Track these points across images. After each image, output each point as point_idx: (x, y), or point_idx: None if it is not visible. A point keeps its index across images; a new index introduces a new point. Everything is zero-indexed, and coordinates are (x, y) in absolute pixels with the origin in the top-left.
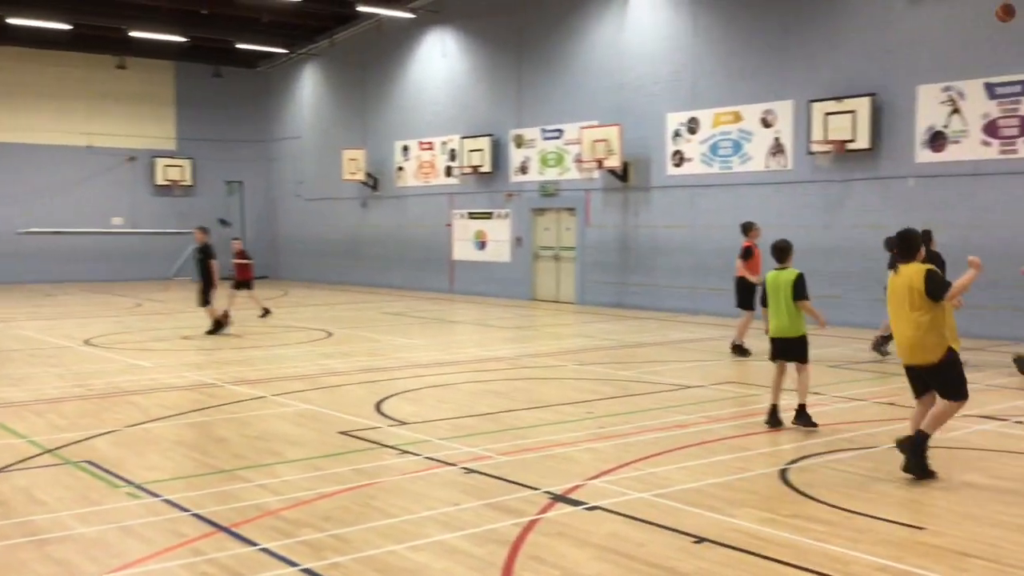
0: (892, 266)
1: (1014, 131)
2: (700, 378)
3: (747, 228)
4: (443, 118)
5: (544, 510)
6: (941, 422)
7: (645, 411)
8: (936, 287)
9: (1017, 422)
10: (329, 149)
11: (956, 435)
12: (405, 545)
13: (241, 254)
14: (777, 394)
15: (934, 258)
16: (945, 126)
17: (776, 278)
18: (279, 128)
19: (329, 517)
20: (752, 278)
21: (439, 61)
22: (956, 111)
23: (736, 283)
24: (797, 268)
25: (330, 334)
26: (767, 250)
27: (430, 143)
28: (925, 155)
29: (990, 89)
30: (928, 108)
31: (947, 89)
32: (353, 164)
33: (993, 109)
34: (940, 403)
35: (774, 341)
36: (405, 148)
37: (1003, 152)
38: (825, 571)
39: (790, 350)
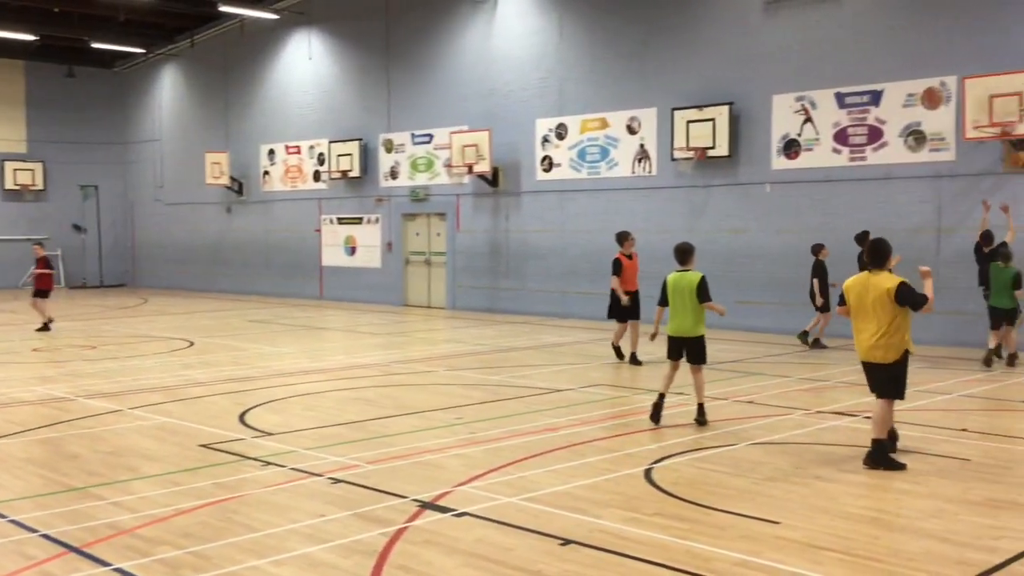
0: (865, 267)
1: (862, 139)
2: (570, 381)
3: (621, 238)
4: (310, 121)
5: (412, 518)
6: (885, 422)
7: (515, 415)
8: (915, 299)
9: (866, 417)
10: (191, 152)
11: (809, 431)
12: (268, 560)
13: (43, 262)
14: (667, 388)
15: (820, 267)
16: (799, 134)
17: (679, 280)
18: (137, 130)
19: (188, 533)
20: (621, 293)
21: (305, 63)
22: (808, 120)
23: (611, 294)
24: (668, 271)
25: (192, 343)
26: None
27: (297, 147)
28: (780, 162)
29: (840, 99)
30: (782, 117)
31: (800, 99)
32: (216, 168)
33: (843, 118)
34: (877, 405)
35: (673, 340)
36: (271, 152)
37: (852, 159)
38: (687, 568)
39: (689, 350)
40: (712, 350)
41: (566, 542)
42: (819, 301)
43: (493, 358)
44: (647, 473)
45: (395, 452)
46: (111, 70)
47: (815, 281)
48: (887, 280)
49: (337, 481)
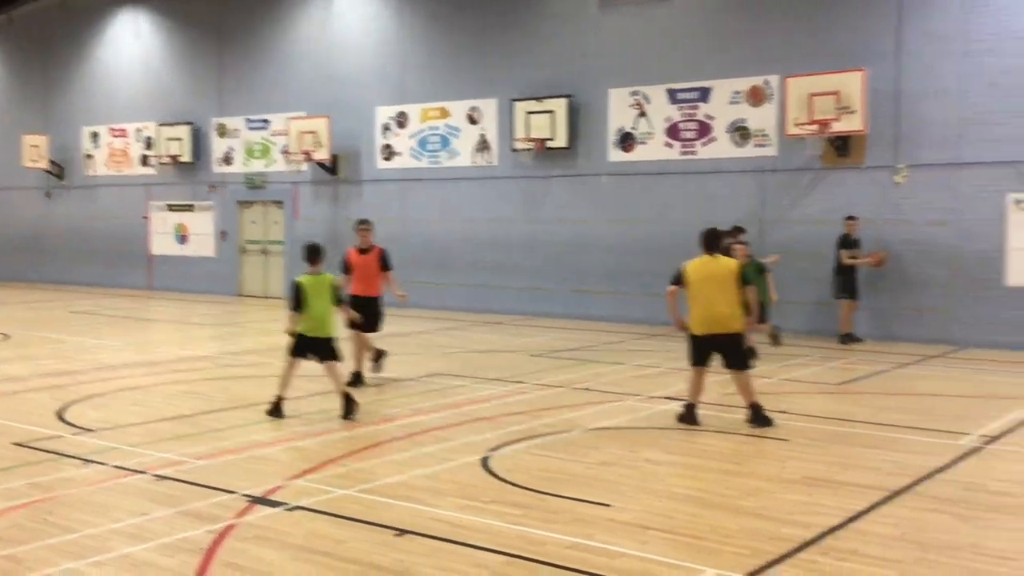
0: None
1: (693, 134)
2: (410, 371)
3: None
4: (138, 103)
5: (241, 514)
6: (750, 388)
7: None
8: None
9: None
10: (6, 134)
11: (640, 416)
12: (86, 561)
13: None
14: (284, 386)
15: (727, 251)
16: (634, 128)
17: (319, 281)
18: None
19: None
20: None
21: (132, 43)
22: (643, 114)
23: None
24: (513, 261)
25: (7, 336)
26: (491, 246)
27: (123, 129)
28: (617, 154)
29: (672, 94)
30: (619, 110)
31: (635, 93)
32: (35, 151)
33: (675, 113)
34: (737, 378)
35: (308, 339)
36: (95, 135)
37: (684, 153)
38: (521, 553)
39: (321, 349)
40: (549, 338)
41: (401, 532)
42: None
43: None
44: (484, 461)
45: (225, 447)
46: None
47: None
48: (729, 262)
49: (163, 478)
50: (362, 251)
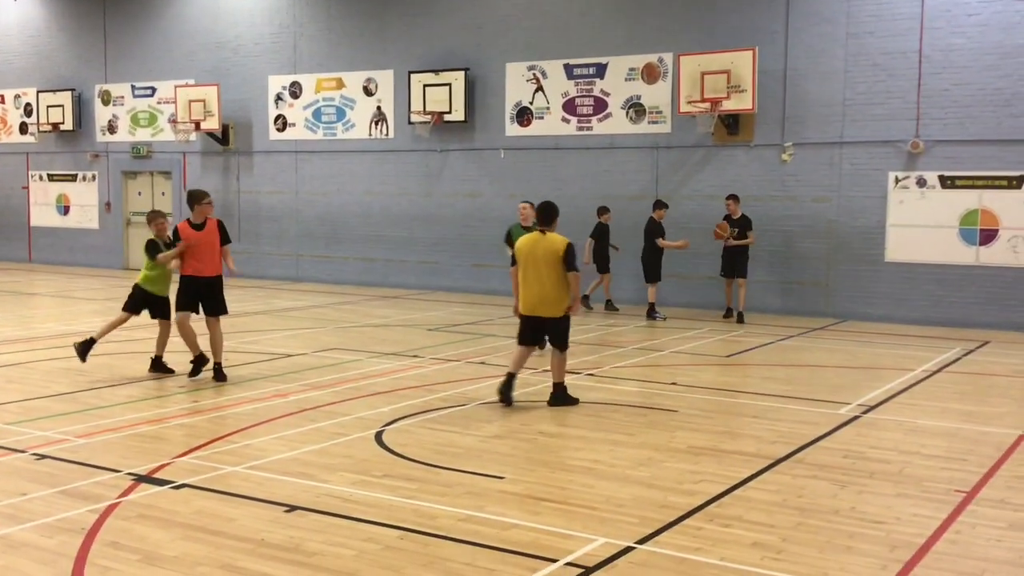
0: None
1: (589, 110)
2: (302, 346)
3: (193, 199)
4: (15, 68)
5: (125, 493)
6: (563, 368)
7: (243, 382)
8: (574, 260)
9: (588, 375)
10: None
11: (533, 389)
12: None
13: None
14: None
15: (603, 229)
16: (531, 102)
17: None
18: None
19: None
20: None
21: (9, 5)
22: (540, 89)
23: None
24: (404, 235)
25: None
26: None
27: (1, 96)
28: (514, 129)
29: (568, 69)
30: (516, 85)
31: (532, 68)
32: None
33: (572, 88)
34: (554, 355)
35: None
36: None
37: (580, 128)
38: (413, 527)
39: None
40: (446, 313)
41: (291, 508)
42: (587, 260)
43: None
44: (378, 436)
45: (109, 424)
46: None
47: (590, 242)
48: (558, 241)
49: (42, 457)
50: (198, 226)
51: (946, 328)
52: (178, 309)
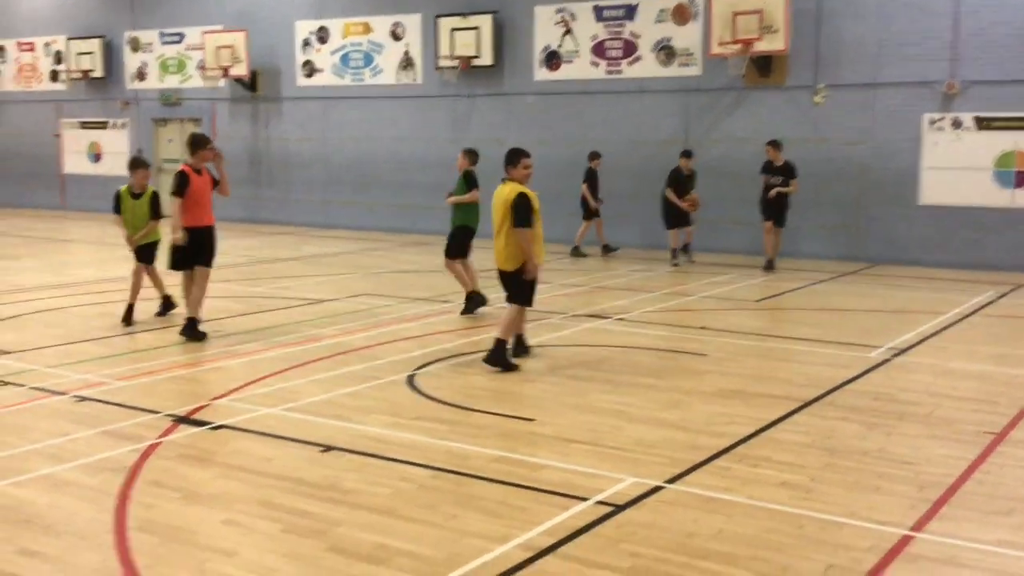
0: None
1: (619, 53)
2: (334, 291)
3: (195, 144)
4: (45, 16)
5: (165, 433)
6: (509, 327)
7: (276, 327)
8: (520, 216)
9: (619, 319)
10: None
11: (565, 334)
12: (6, 482)
13: None
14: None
15: (592, 175)
16: (559, 46)
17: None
18: None
19: None
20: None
21: None
22: (569, 32)
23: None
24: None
25: None
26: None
27: (31, 44)
28: (542, 73)
29: (598, 12)
30: (544, 28)
31: (560, 11)
32: None
33: (601, 31)
34: (507, 309)
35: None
36: (1, 49)
37: (609, 72)
38: (445, 466)
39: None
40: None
41: (327, 448)
42: (593, 205)
43: (254, 270)
44: (410, 379)
45: (147, 368)
46: None
47: (584, 187)
48: (511, 191)
49: (83, 399)
50: (199, 172)
51: (980, 272)
52: (174, 266)
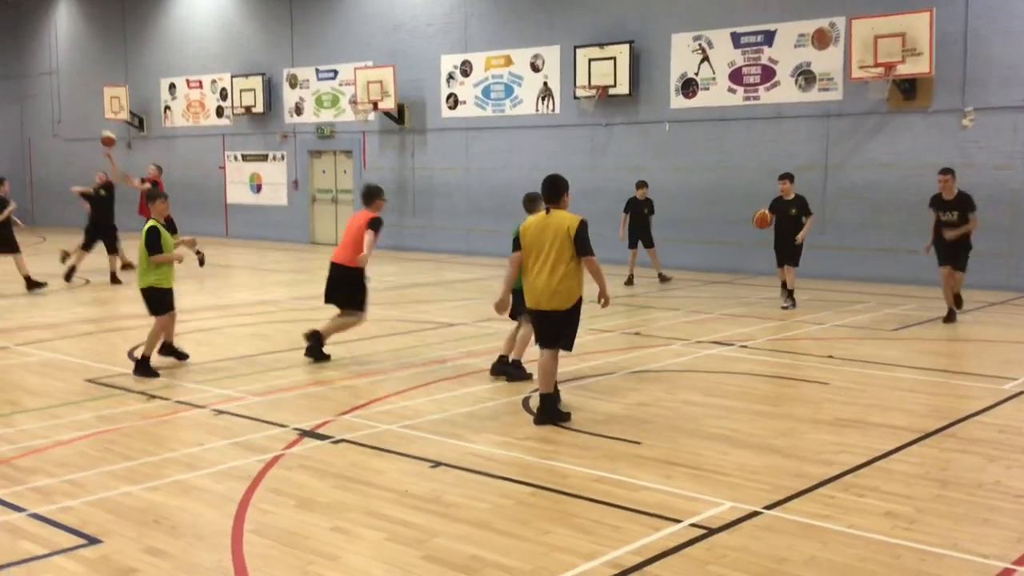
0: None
1: (756, 79)
2: (465, 316)
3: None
4: (212, 55)
5: (290, 445)
6: (551, 376)
7: (406, 348)
8: (589, 243)
9: (742, 346)
10: (88, 86)
11: (684, 360)
12: (141, 486)
13: None
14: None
15: (632, 202)
16: (696, 73)
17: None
18: (32, 64)
19: (64, 463)
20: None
21: None
22: (706, 59)
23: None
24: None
25: (88, 281)
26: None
27: (199, 81)
28: (679, 101)
29: (735, 39)
30: (681, 56)
31: (698, 38)
32: (115, 102)
33: (738, 58)
34: (546, 357)
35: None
36: (172, 86)
37: (747, 98)
38: (547, 484)
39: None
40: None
41: (436, 464)
42: (621, 236)
43: (393, 295)
44: (525, 401)
45: (282, 385)
46: (4, 2)
47: (624, 217)
48: (568, 219)
49: (220, 412)
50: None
51: None
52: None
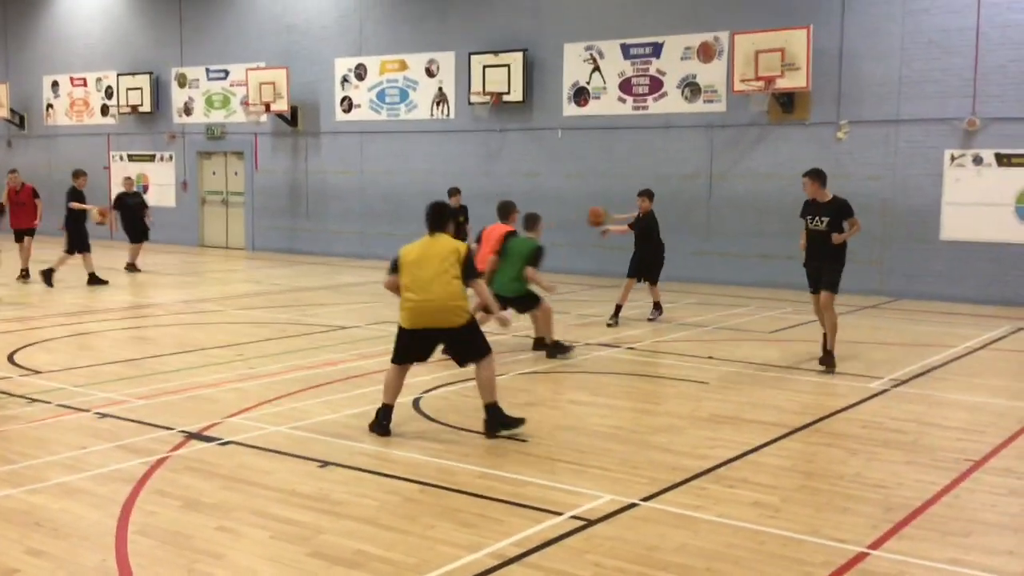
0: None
1: (645, 89)
2: (358, 319)
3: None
4: (97, 53)
5: (176, 448)
6: (494, 384)
7: (298, 351)
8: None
9: (628, 348)
10: None
11: (574, 361)
12: (22, 489)
13: None
14: None
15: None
16: (588, 83)
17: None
18: None
19: None
20: None
21: None
22: (597, 69)
23: None
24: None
25: None
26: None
27: (83, 79)
28: (571, 109)
29: (625, 49)
30: (573, 65)
31: (589, 48)
32: None
33: (628, 68)
34: (478, 370)
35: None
36: (55, 84)
37: (636, 108)
38: (434, 481)
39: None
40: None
41: (324, 464)
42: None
43: (285, 297)
44: (415, 402)
45: (168, 388)
46: None
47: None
48: (452, 242)
49: (104, 416)
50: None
51: (1000, 307)
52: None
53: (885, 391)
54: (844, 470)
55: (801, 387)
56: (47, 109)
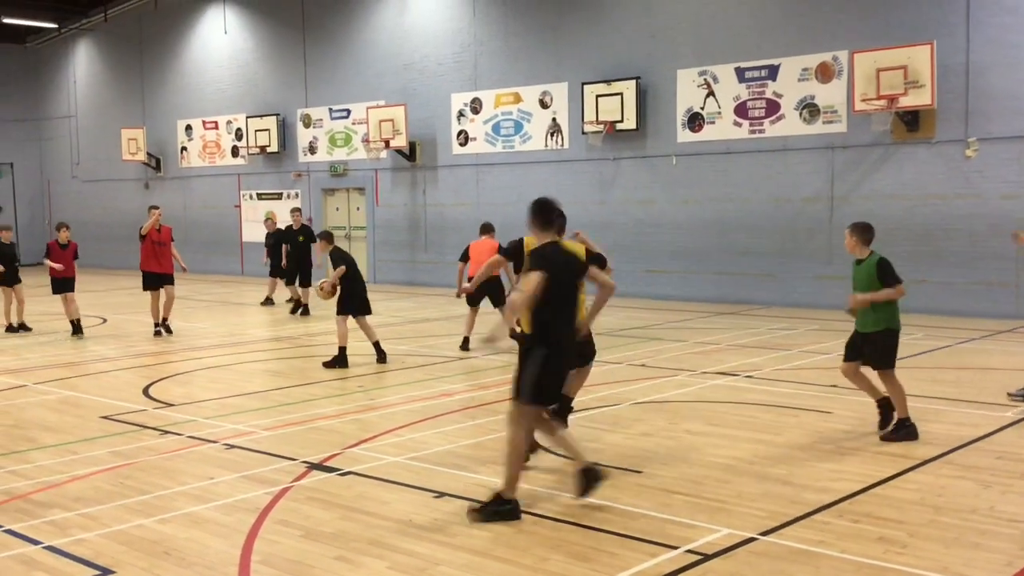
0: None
1: (761, 112)
2: (475, 350)
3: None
4: (227, 96)
5: (299, 478)
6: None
7: (416, 382)
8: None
9: (747, 376)
10: (107, 128)
11: (691, 390)
12: (153, 519)
13: None
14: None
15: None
16: (702, 108)
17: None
18: (51, 107)
19: (79, 497)
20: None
21: (221, 38)
22: (711, 94)
23: None
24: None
25: (105, 320)
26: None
27: (215, 122)
28: (685, 135)
29: (740, 73)
30: (687, 91)
31: (703, 73)
32: (133, 144)
33: (743, 92)
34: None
35: None
36: (188, 127)
37: (752, 132)
38: (548, 514)
39: None
40: (619, 318)
41: (440, 495)
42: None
43: (404, 329)
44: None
45: (292, 419)
46: (23, 45)
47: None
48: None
49: (231, 447)
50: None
51: None
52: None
53: (1021, 420)
54: (977, 503)
55: (931, 416)
56: (181, 152)
